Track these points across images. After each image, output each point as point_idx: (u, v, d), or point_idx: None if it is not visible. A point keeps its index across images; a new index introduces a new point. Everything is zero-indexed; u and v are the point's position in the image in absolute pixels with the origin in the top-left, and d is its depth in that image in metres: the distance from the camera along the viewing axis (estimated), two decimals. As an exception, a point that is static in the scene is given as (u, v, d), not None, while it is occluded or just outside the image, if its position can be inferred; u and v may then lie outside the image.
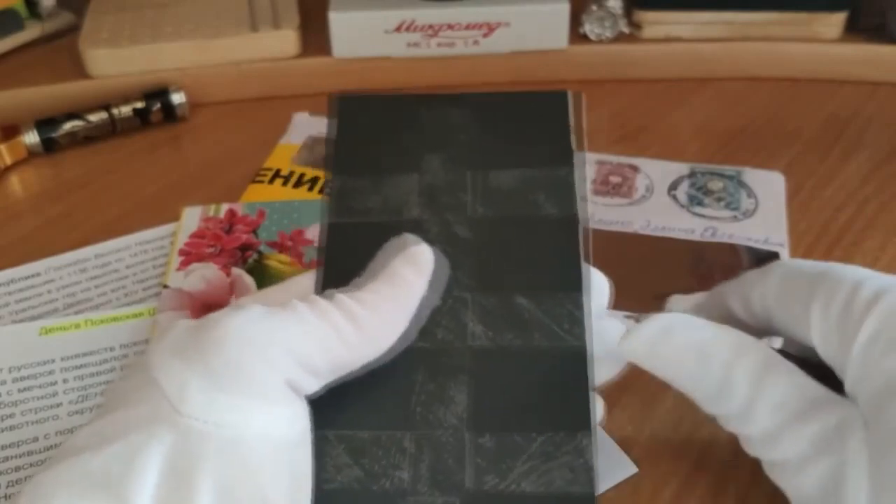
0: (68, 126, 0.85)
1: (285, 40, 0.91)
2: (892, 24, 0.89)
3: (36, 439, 0.58)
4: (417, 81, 0.93)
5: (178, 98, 0.88)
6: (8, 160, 0.83)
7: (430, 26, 0.89)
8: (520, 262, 0.49)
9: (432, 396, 0.46)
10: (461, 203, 0.51)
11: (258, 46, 0.91)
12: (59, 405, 0.60)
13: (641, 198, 0.77)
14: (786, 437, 0.43)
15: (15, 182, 0.83)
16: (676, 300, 0.56)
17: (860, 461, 0.39)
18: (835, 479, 0.40)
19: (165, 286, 0.67)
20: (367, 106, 0.55)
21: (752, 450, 0.45)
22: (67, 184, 0.82)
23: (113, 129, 0.87)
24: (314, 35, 0.92)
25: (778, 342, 0.52)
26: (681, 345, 0.46)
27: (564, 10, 0.89)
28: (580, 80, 0.93)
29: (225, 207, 0.74)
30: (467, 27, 0.90)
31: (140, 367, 0.42)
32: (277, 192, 0.78)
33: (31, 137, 0.84)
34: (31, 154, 0.85)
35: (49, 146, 0.85)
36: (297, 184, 0.79)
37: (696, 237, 0.72)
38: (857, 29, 0.91)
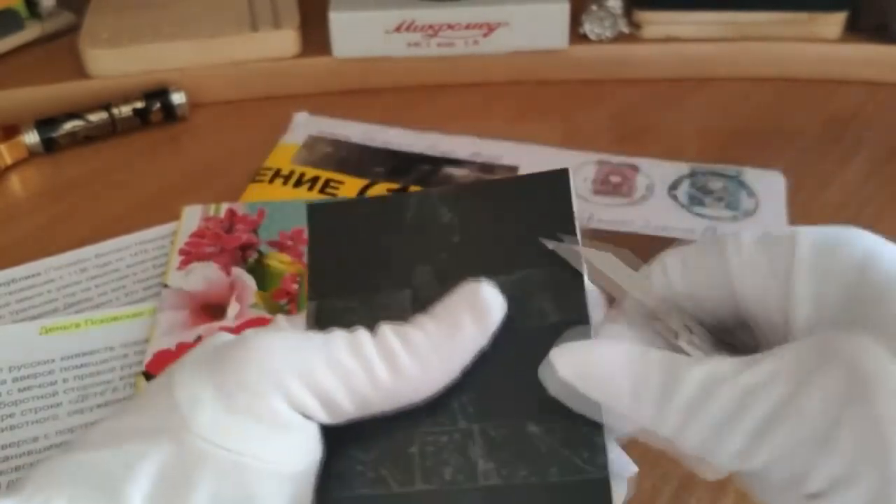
0: (68, 126, 0.85)
1: (285, 40, 0.91)
2: (893, 23, 0.89)
3: (36, 439, 0.58)
4: (417, 81, 0.93)
5: (178, 98, 0.88)
6: (8, 160, 0.83)
7: (430, 26, 0.89)
8: (528, 383, 0.43)
9: None
10: None
11: (258, 46, 0.91)
12: (58, 405, 0.60)
13: (641, 198, 0.77)
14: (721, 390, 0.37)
15: (15, 182, 0.83)
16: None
17: (878, 367, 0.34)
18: None
19: (165, 285, 0.67)
20: (342, 213, 0.50)
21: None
22: (67, 184, 0.83)
23: (113, 129, 0.87)
24: (314, 35, 0.92)
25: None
26: (613, 347, 0.41)
27: (564, 10, 0.89)
28: (580, 80, 0.93)
29: (225, 207, 0.74)
30: (467, 27, 0.90)
31: (165, 375, 0.41)
32: (278, 192, 0.78)
33: (32, 137, 0.84)
34: (32, 154, 0.85)
35: (49, 146, 0.85)
36: (298, 183, 0.79)
37: (696, 237, 0.72)
38: (857, 29, 0.91)
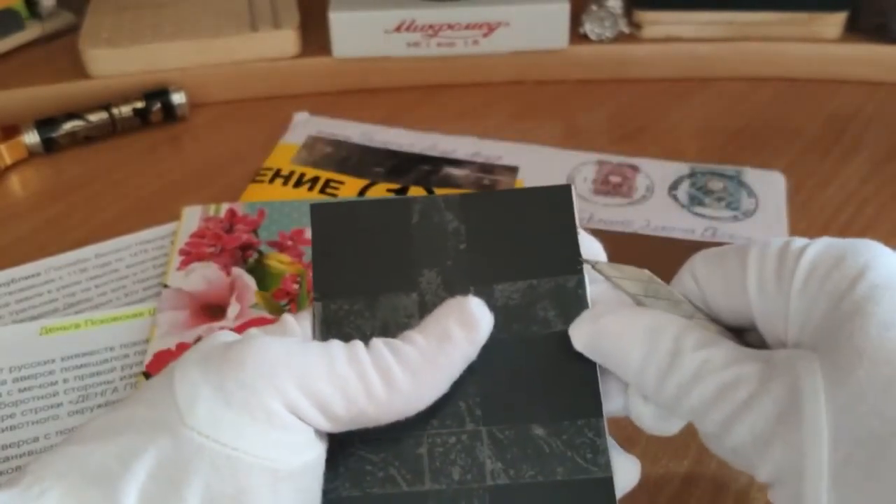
0: (68, 126, 0.85)
1: (285, 40, 0.91)
2: (893, 24, 0.89)
3: (36, 439, 0.58)
4: (417, 81, 0.93)
5: (178, 98, 0.88)
6: (8, 160, 0.83)
7: (430, 26, 0.89)
8: (533, 388, 0.46)
9: None
10: None
11: (258, 46, 0.91)
12: (59, 405, 0.60)
13: (642, 198, 0.77)
14: (705, 381, 0.41)
15: (15, 182, 0.83)
16: None
17: (813, 390, 0.38)
18: (779, 416, 0.39)
19: (165, 286, 0.67)
20: (347, 214, 0.50)
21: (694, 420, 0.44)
22: (67, 184, 0.83)
23: (113, 129, 0.87)
24: (314, 35, 0.92)
25: None
26: (629, 317, 0.44)
27: (564, 9, 0.89)
28: (580, 80, 0.93)
29: (225, 207, 0.74)
30: (467, 27, 0.90)
31: (167, 371, 0.42)
32: (277, 192, 0.78)
33: (31, 137, 0.84)
34: (32, 154, 0.85)
35: (49, 146, 0.85)
36: (298, 183, 0.79)
37: (696, 237, 0.73)
38: (857, 29, 0.91)
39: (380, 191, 0.78)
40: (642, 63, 0.93)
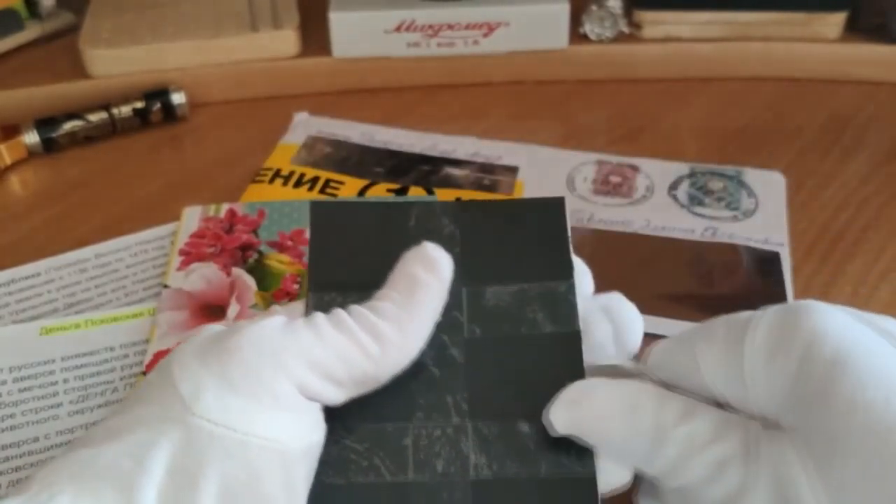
0: (68, 126, 0.85)
1: (285, 40, 0.91)
2: (893, 24, 0.89)
3: (36, 439, 0.58)
4: (417, 81, 0.93)
5: (178, 98, 0.88)
6: (8, 160, 0.83)
7: (430, 26, 0.89)
8: (520, 386, 0.47)
9: None
10: (457, 323, 0.49)
11: (258, 46, 0.91)
12: (59, 405, 0.60)
13: (642, 198, 0.77)
14: (694, 460, 0.42)
15: (15, 182, 0.83)
16: None
17: (798, 489, 0.38)
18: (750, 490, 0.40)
19: (165, 286, 0.67)
20: (346, 215, 0.52)
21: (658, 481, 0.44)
22: (67, 184, 0.82)
23: (113, 129, 0.86)
24: (314, 35, 0.92)
25: None
26: (606, 398, 0.44)
27: (564, 10, 0.89)
28: (580, 80, 0.93)
29: (225, 207, 0.74)
30: (467, 27, 0.89)
31: (163, 367, 0.42)
32: (277, 192, 0.78)
33: (31, 137, 0.84)
34: (31, 154, 0.85)
35: (49, 146, 0.85)
36: (298, 183, 0.79)
37: (696, 237, 0.73)
38: (857, 29, 0.91)
39: (380, 191, 0.78)
40: (642, 63, 0.93)
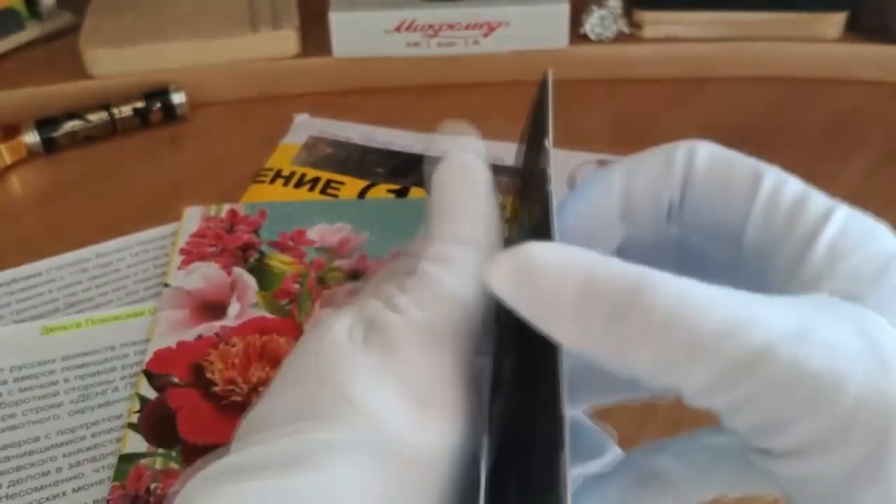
0: (68, 126, 0.85)
1: (285, 40, 0.91)
2: (893, 23, 0.89)
3: (37, 439, 0.58)
4: (417, 81, 0.93)
5: (178, 98, 0.88)
6: (8, 160, 0.83)
7: (430, 26, 0.90)
8: None
9: None
10: None
11: (258, 46, 0.91)
12: (59, 405, 0.60)
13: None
14: None
15: (15, 182, 0.83)
16: None
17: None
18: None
19: (166, 285, 0.67)
20: None
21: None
22: (67, 184, 0.83)
23: (113, 129, 0.87)
24: (314, 35, 0.92)
25: None
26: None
27: (564, 10, 0.89)
28: (580, 80, 0.93)
29: (226, 208, 0.74)
30: (467, 27, 0.90)
31: (325, 376, 0.34)
32: (278, 193, 0.78)
33: (31, 137, 0.84)
34: (31, 154, 0.85)
35: (49, 146, 0.85)
36: (298, 184, 0.79)
37: None
38: (857, 29, 0.91)
39: (380, 191, 0.78)
40: (642, 63, 0.93)
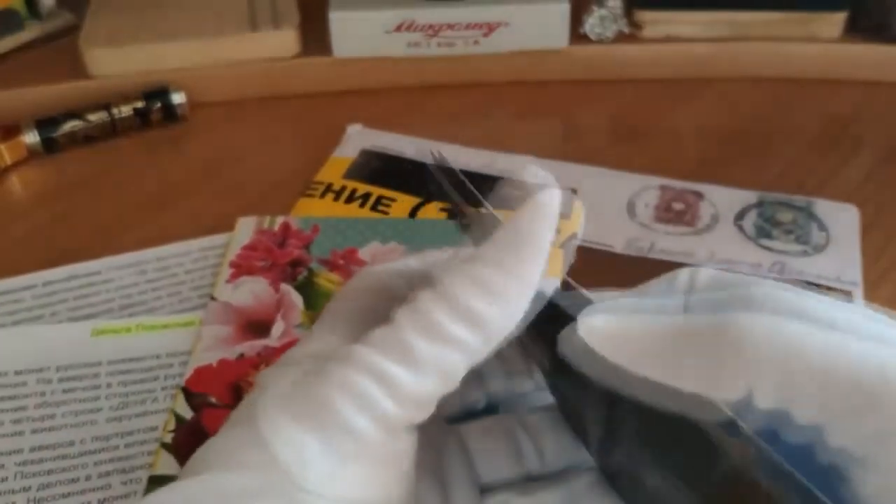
0: (68, 126, 0.84)
1: (285, 40, 0.91)
2: (893, 23, 0.90)
3: (72, 443, 0.58)
4: (417, 81, 0.93)
5: (178, 98, 0.88)
6: (8, 160, 0.83)
7: (430, 26, 0.90)
8: None
9: None
10: None
11: (258, 46, 0.91)
12: (99, 410, 0.59)
13: (706, 227, 0.74)
14: None
15: (15, 182, 0.83)
16: None
17: None
18: None
19: (213, 298, 0.67)
20: None
21: None
22: (67, 184, 0.82)
23: (113, 129, 0.86)
24: (314, 35, 0.92)
25: None
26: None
27: (564, 10, 0.90)
28: (580, 80, 0.93)
29: (280, 220, 0.74)
30: (467, 27, 0.90)
31: (247, 417, 0.35)
32: (328, 208, 0.77)
33: (31, 137, 0.83)
34: (31, 154, 0.84)
35: (49, 146, 0.84)
36: (349, 199, 0.78)
37: (763, 273, 0.69)
38: (857, 29, 0.92)
39: (432, 210, 0.76)
40: (642, 63, 0.94)
